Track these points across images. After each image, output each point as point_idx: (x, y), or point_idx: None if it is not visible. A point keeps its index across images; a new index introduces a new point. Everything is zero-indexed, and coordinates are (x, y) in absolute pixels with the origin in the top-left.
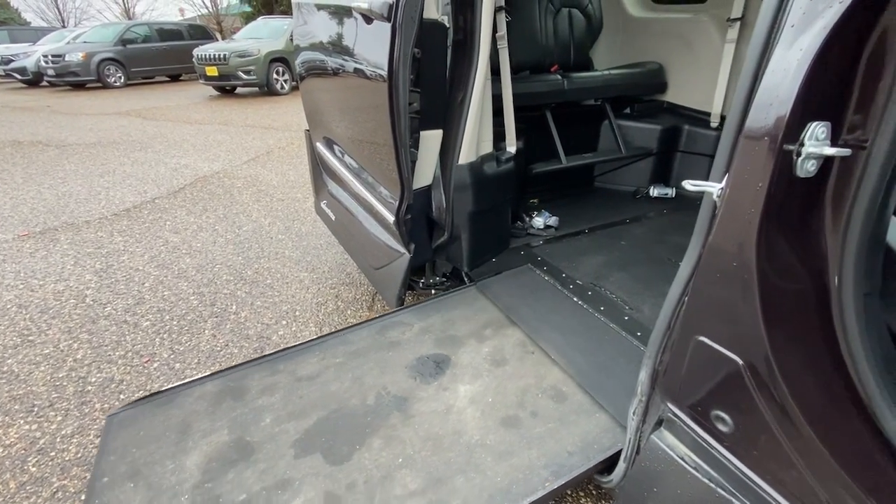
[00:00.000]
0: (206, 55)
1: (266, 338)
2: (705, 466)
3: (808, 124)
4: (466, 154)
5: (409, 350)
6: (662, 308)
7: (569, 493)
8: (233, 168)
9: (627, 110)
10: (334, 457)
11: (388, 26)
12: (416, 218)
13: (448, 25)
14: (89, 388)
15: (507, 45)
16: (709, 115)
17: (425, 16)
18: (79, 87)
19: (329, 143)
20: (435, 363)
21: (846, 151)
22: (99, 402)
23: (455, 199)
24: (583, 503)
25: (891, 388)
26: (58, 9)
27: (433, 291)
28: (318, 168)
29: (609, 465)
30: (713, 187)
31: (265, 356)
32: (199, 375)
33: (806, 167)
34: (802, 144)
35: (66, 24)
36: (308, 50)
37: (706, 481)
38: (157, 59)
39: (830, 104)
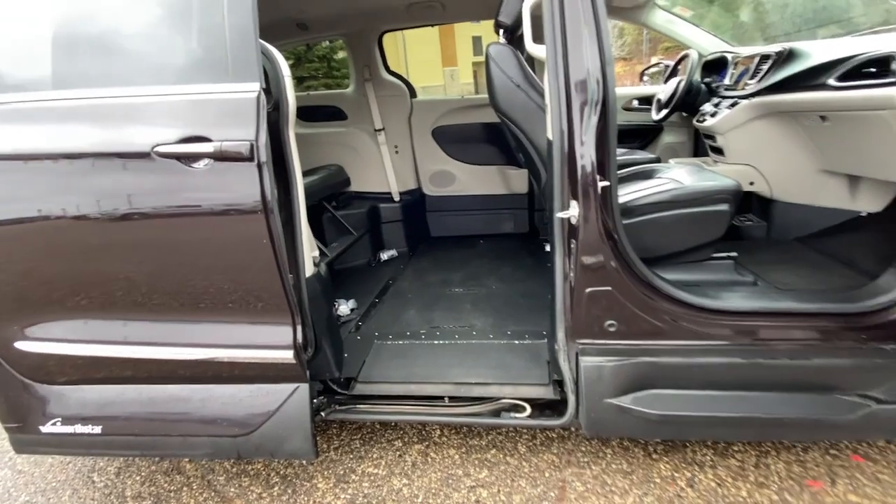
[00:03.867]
0: None
1: None
2: (613, 356)
3: (598, 176)
4: (309, 266)
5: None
6: (556, 289)
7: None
8: None
9: (334, 203)
10: None
11: (249, 166)
12: None
13: None
14: None
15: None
16: (390, 193)
17: None
18: None
19: (72, 328)
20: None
21: (606, 183)
22: None
23: (312, 312)
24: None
25: (646, 268)
26: None
27: (323, 414)
28: (19, 381)
29: (556, 411)
30: (573, 212)
31: None
32: None
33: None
34: (602, 182)
35: None
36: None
37: (618, 360)
38: None
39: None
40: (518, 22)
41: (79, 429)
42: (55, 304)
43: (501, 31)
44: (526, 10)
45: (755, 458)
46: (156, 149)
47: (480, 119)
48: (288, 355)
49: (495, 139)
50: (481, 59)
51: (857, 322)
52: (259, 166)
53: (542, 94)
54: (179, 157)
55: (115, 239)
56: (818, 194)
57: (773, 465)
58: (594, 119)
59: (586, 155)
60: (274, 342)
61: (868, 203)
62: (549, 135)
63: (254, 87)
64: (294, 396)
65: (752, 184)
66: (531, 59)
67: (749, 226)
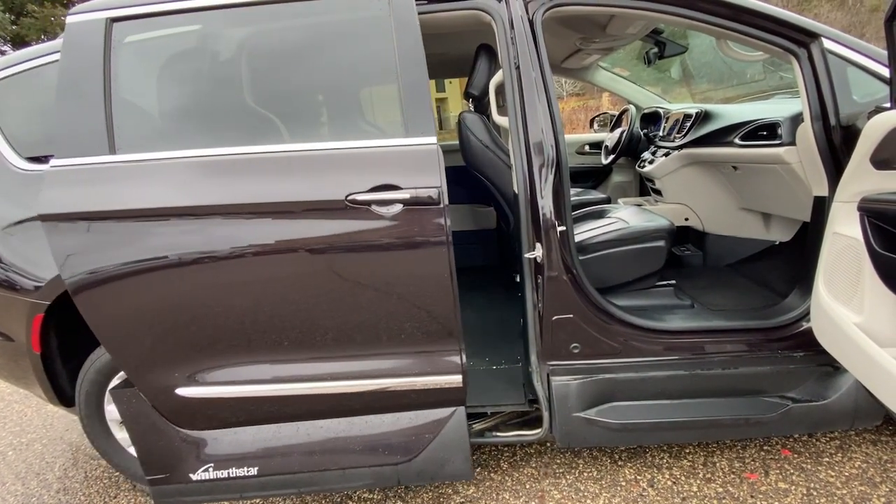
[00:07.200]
0: None
1: None
2: (579, 374)
3: (556, 222)
4: None
5: None
6: (527, 318)
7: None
8: None
9: None
10: None
11: (436, 209)
12: None
13: None
14: None
15: None
16: None
17: None
18: None
19: (237, 371)
20: None
21: (563, 228)
22: None
23: None
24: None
25: (601, 296)
26: None
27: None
28: (173, 430)
29: (531, 425)
30: (538, 253)
31: None
32: None
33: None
34: (559, 227)
35: None
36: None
37: (583, 377)
38: None
39: (552, 211)
40: (485, 93)
41: (233, 472)
42: (226, 349)
43: (471, 100)
44: (492, 86)
45: (703, 458)
46: (349, 197)
47: (450, 163)
48: (457, 379)
49: (464, 181)
50: (444, 95)
51: (773, 335)
52: (443, 209)
53: (507, 154)
54: (370, 204)
55: (299, 282)
56: (740, 227)
57: (718, 462)
58: (551, 177)
59: (546, 206)
60: (445, 368)
61: (780, 234)
62: (515, 188)
63: (432, 140)
64: (453, 419)
65: (686, 219)
66: (496, 126)
67: (688, 255)
